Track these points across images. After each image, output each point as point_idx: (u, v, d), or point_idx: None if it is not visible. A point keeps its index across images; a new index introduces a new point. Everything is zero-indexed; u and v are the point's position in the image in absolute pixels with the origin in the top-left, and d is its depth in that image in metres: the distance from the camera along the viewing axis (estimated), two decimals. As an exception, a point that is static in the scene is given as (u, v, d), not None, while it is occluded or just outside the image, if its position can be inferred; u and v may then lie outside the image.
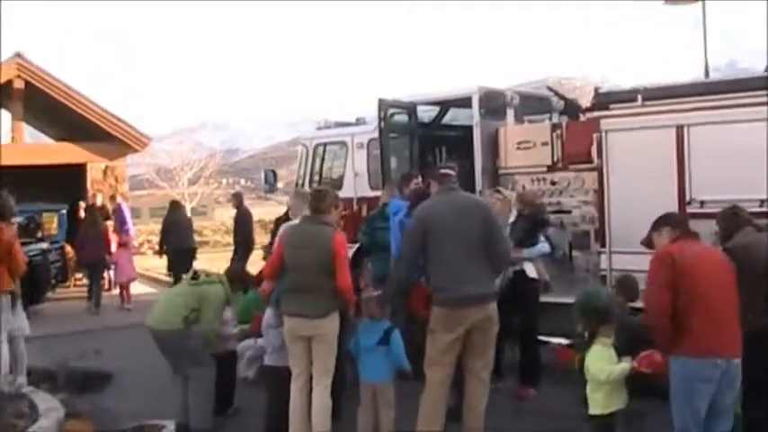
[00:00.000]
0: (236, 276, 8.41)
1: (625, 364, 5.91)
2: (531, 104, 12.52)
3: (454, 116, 13.91)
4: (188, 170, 29.09)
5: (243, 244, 17.21)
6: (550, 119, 12.68)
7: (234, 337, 8.47)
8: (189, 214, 23.01)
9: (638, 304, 7.49)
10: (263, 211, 42.28)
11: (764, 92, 9.37)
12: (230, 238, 29.86)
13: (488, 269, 6.76)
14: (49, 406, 8.34)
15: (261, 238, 31.92)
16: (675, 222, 6.31)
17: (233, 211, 18.57)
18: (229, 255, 17.84)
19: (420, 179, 9.73)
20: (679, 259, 5.71)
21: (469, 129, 13.64)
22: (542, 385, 9.22)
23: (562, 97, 12.51)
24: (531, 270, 9.33)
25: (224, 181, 34.05)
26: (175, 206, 18.27)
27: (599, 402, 5.97)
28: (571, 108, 12.81)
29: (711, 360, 5.60)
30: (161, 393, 8.71)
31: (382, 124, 11.80)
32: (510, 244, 8.31)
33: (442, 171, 7.19)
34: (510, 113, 12.03)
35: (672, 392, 5.75)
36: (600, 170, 10.40)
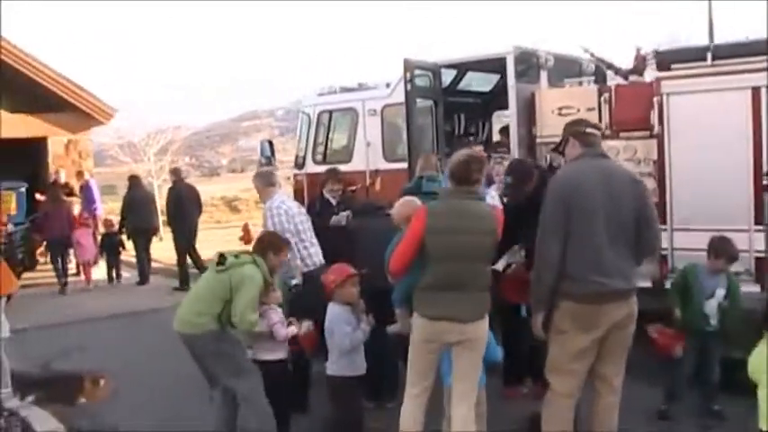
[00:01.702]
0: (273, 246, 6.77)
1: None
2: (563, 67, 11.31)
3: (467, 82, 12.72)
4: (154, 144, 27.44)
5: (180, 222, 15.83)
6: (580, 84, 11.51)
7: (285, 339, 6.73)
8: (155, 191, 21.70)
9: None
10: (221, 188, 40.84)
11: None
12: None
13: (634, 257, 5.54)
14: (48, 429, 6.93)
15: (222, 215, 30.82)
16: None
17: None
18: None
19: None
20: None
21: (486, 95, 12.56)
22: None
23: (600, 60, 11.32)
24: None
25: (186, 159, 32.34)
26: (135, 182, 16.90)
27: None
28: (599, 73, 11.70)
29: None
30: (167, 402, 7.90)
31: (408, 87, 10.50)
32: None
33: (588, 130, 5.83)
34: (544, 76, 10.88)
35: None
36: (660, 138, 9.30)
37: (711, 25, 18.02)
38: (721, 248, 6.97)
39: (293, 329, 6.59)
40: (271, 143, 13.19)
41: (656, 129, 9.29)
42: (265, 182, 8.12)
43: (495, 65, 10.99)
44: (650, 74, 9.89)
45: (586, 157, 5.65)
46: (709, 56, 9.01)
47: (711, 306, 6.96)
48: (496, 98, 13.06)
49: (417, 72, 10.76)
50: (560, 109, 10.22)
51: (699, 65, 9.09)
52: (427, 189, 9.08)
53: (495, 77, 12.99)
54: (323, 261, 8.06)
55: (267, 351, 6.61)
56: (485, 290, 5.54)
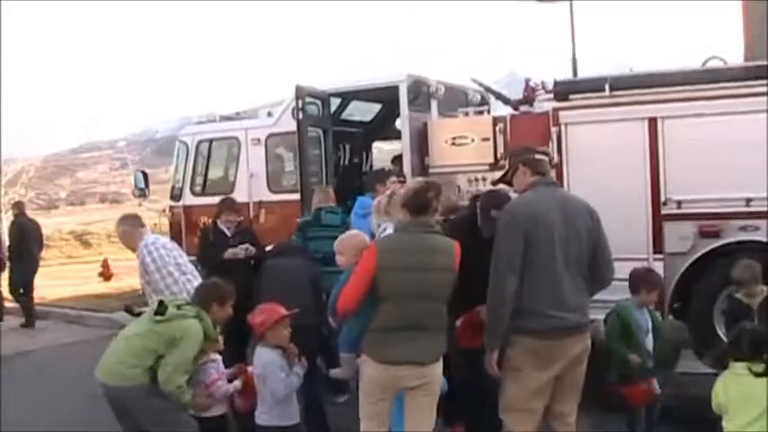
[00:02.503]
0: (217, 296, 6.00)
1: None
2: (451, 96, 11.18)
3: (349, 112, 12.45)
4: (3, 176, 25.71)
5: (24, 258, 14.98)
6: (466, 114, 11.41)
7: (224, 396, 5.95)
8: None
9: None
10: (60, 221, 38.95)
11: (747, 82, 8.57)
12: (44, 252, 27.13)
13: (588, 290, 5.29)
14: None
15: (73, 250, 29.10)
16: None
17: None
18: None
19: (397, 178, 8.18)
20: None
21: (366, 125, 12.34)
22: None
23: (488, 89, 11.25)
24: None
25: (22, 191, 30.14)
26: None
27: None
28: (483, 103, 11.67)
29: None
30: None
31: (301, 115, 10.09)
32: None
33: (538, 157, 5.48)
34: (434, 106, 10.70)
35: None
36: (558, 168, 9.22)
37: (575, 61, 18.45)
38: (653, 281, 6.80)
39: (237, 384, 5.91)
40: (145, 174, 12.43)
41: (555, 159, 9.21)
42: (135, 223, 7.39)
43: (385, 93, 10.72)
44: (543, 104, 9.88)
45: (540, 185, 5.35)
46: (607, 87, 9.05)
47: (649, 343, 6.65)
48: (377, 128, 12.89)
49: (308, 100, 10.36)
50: (454, 139, 10.08)
51: (597, 96, 9.13)
52: (327, 222, 8.77)
53: (376, 107, 12.80)
54: None
55: (208, 406, 5.91)
56: (443, 330, 5.19)
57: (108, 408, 5.84)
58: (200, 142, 11.88)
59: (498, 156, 9.75)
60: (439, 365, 5.15)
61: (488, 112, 11.39)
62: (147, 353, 5.60)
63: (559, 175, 9.19)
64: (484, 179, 9.85)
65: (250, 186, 11.27)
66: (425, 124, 10.32)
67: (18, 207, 15.91)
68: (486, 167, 9.83)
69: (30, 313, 14.88)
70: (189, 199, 11.87)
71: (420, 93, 10.48)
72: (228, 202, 9.33)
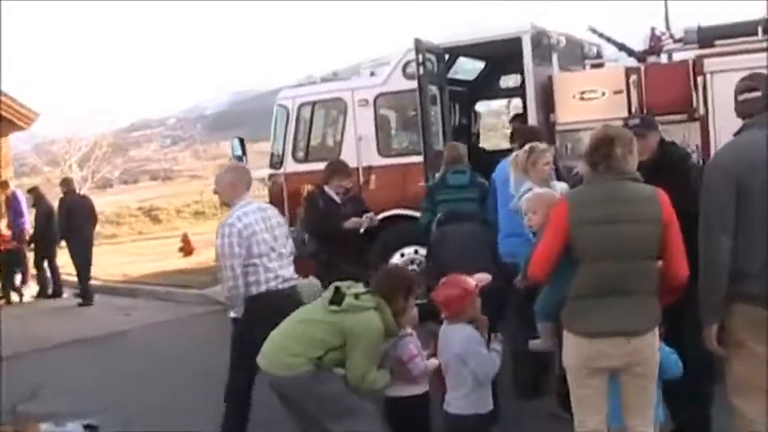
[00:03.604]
0: (405, 285, 5.23)
1: None
2: (570, 50, 10.48)
3: (453, 70, 11.81)
4: (75, 152, 25.48)
5: (73, 235, 14.65)
6: (583, 66, 10.74)
7: (423, 374, 5.22)
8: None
9: None
10: (116, 200, 38.81)
11: None
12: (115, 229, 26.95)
13: None
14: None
15: (143, 226, 28.86)
16: None
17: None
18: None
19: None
20: None
21: (469, 84, 11.71)
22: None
23: (609, 40, 10.50)
24: None
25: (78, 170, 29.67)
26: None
27: None
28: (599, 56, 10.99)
29: None
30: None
31: (421, 70, 9.47)
32: None
33: (742, 97, 4.64)
34: (555, 59, 10.02)
35: None
36: (704, 121, 8.53)
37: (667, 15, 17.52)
38: None
39: (434, 362, 5.20)
40: (242, 140, 11.88)
41: (701, 111, 8.53)
42: (243, 180, 6.34)
43: (495, 48, 10.07)
44: (682, 53, 9.20)
45: (753, 126, 4.55)
46: (759, 30, 8.34)
47: None
48: (481, 87, 12.24)
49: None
50: (582, 93, 9.39)
51: (747, 41, 8.43)
52: (454, 182, 8.16)
53: (479, 65, 12.16)
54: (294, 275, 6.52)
55: (404, 384, 5.24)
56: (653, 293, 4.43)
57: (212, 387, 5.34)
58: (301, 105, 11.23)
59: (633, 109, 9.07)
60: (652, 338, 4.43)
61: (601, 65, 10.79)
62: (314, 342, 4.99)
63: (705, 129, 8.58)
64: (618, 135, 9.20)
65: (358, 150, 10.64)
66: (550, 78, 9.67)
67: (66, 184, 15.40)
68: (620, 122, 9.13)
69: (86, 293, 14.52)
70: (291, 166, 11.26)
71: (541, 45, 9.81)
72: (340, 166, 8.71)
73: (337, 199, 8.36)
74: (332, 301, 5.06)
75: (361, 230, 8.40)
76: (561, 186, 6.64)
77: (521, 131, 7.92)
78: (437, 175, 8.61)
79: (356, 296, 5.08)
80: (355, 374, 4.94)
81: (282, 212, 11.11)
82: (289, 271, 6.20)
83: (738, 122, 7.91)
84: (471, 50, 10.86)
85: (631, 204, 4.36)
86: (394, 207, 10.14)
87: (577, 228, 4.34)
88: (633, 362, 4.36)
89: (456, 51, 10.74)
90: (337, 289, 5.14)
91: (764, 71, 8.03)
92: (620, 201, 4.35)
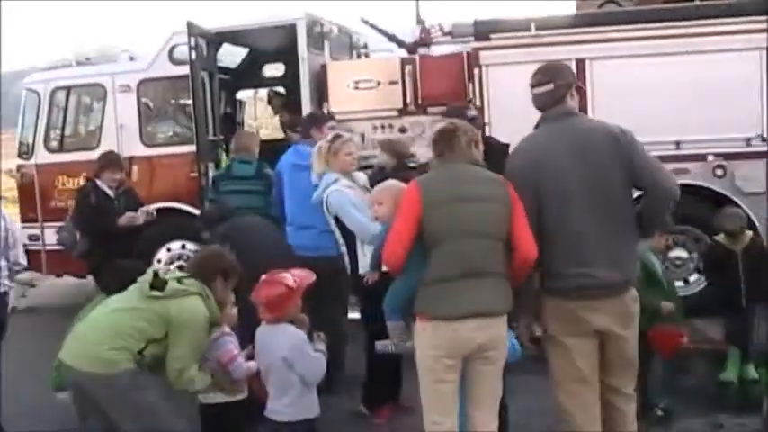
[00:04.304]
0: (222, 268, 4.87)
1: None
2: (340, 40, 10.37)
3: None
4: None
5: None
6: (351, 57, 10.69)
7: (246, 376, 4.81)
8: None
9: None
10: None
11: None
12: None
13: (630, 235, 4.47)
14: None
15: None
16: None
17: None
18: None
19: (329, 123, 7.27)
20: None
21: (231, 72, 11.35)
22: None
23: (381, 31, 10.44)
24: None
25: None
26: None
27: None
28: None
29: None
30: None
31: (194, 54, 8.94)
32: None
33: (536, 91, 4.53)
34: (327, 48, 9.85)
35: None
36: (480, 112, 8.69)
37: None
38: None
39: (254, 364, 4.75)
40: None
41: (477, 102, 8.69)
42: None
43: (275, 34, 9.78)
44: (455, 46, 9.36)
45: (548, 121, 4.48)
46: (533, 26, 8.64)
47: None
48: (242, 76, 11.84)
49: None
50: (357, 83, 9.28)
51: (520, 36, 8.70)
52: (239, 173, 7.84)
53: (242, 52, 11.75)
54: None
55: (222, 391, 4.81)
56: (506, 276, 4.30)
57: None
58: (55, 90, 10.33)
59: (408, 100, 9.11)
60: (504, 321, 4.35)
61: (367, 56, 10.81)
62: (136, 334, 4.47)
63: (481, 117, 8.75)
64: (391, 126, 9.21)
65: (119, 140, 9.91)
66: (323, 67, 9.48)
67: None
68: (395, 113, 9.18)
69: None
70: (43, 156, 10.36)
71: (314, 33, 9.60)
72: (112, 158, 8.07)
73: (111, 193, 7.72)
74: (153, 286, 4.56)
75: (138, 225, 7.79)
76: (362, 177, 6.48)
77: None
78: (223, 165, 8.18)
79: (179, 280, 4.63)
80: (175, 367, 4.49)
81: (33, 206, 10.36)
82: None
83: (513, 114, 8.31)
84: (242, 36, 10.42)
85: (479, 184, 4.32)
86: (159, 200, 9.55)
87: (429, 209, 4.22)
88: (489, 345, 4.26)
89: (226, 37, 10.26)
90: (156, 274, 4.65)
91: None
92: (467, 181, 4.31)
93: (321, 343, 4.72)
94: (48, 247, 10.27)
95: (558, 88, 4.44)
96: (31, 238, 10.28)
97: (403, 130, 9.13)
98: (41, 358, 6.06)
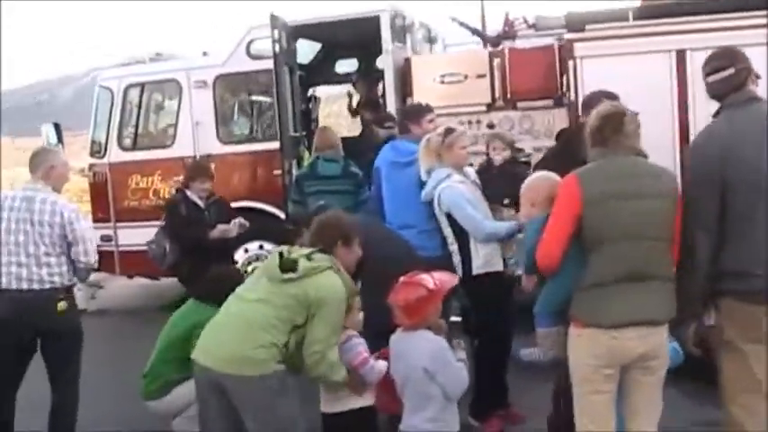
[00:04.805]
0: (341, 233, 4.56)
1: None
2: (420, 33, 10.07)
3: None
4: None
5: None
6: (430, 50, 10.38)
7: (378, 378, 4.46)
8: None
9: None
10: None
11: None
12: None
13: None
14: None
15: None
16: None
17: None
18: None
19: (428, 116, 6.90)
20: None
21: (304, 67, 11.05)
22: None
23: (464, 25, 10.06)
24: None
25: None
26: None
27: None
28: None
29: None
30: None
31: (277, 48, 8.65)
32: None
33: (711, 79, 4.18)
34: (409, 41, 9.55)
35: None
36: (571, 107, 8.31)
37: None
38: None
39: (384, 364, 4.44)
40: (57, 126, 10.55)
41: (571, 96, 8.29)
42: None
43: (354, 27, 9.46)
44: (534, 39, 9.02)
45: (731, 108, 4.11)
46: (630, 16, 8.22)
47: None
48: (316, 71, 11.55)
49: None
50: (443, 77, 8.93)
51: (617, 26, 8.28)
52: (325, 172, 7.48)
53: (315, 47, 11.47)
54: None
55: (349, 396, 4.45)
56: (671, 279, 3.99)
57: None
58: (128, 87, 10.14)
59: (496, 94, 8.76)
60: (666, 329, 4.01)
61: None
62: (280, 325, 4.13)
63: (575, 114, 8.35)
64: (479, 122, 8.85)
65: (195, 137, 9.70)
66: (407, 60, 9.16)
67: None
68: (483, 108, 8.81)
69: None
70: (116, 155, 10.15)
71: (397, 26, 9.29)
72: (202, 167, 7.81)
73: (200, 203, 7.40)
74: (285, 269, 4.20)
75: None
76: (472, 172, 6.14)
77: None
78: (305, 162, 7.87)
79: (308, 257, 4.27)
80: (315, 350, 4.16)
81: (106, 206, 10.13)
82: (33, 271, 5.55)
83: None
84: (320, 30, 10.10)
85: (646, 179, 3.98)
86: (236, 199, 9.27)
87: (590, 207, 3.88)
88: (651, 355, 3.93)
89: (304, 31, 9.94)
90: (281, 255, 4.30)
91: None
92: (634, 175, 3.95)
93: (461, 351, 4.35)
94: (121, 248, 10.08)
95: (739, 72, 4.11)
96: (103, 238, 10.10)
97: (491, 126, 8.77)
98: (116, 361, 5.84)
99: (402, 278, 4.32)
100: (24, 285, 5.50)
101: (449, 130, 5.94)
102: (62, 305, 5.55)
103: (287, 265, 4.21)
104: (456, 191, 5.71)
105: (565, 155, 5.67)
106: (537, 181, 4.63)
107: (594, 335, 3.89)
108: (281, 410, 4.13)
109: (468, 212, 5.65)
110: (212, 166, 9.50)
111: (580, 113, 5.95)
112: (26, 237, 5.50)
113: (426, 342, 4.19)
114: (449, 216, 5.76)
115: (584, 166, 4.13)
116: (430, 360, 4.14)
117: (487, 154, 7.30)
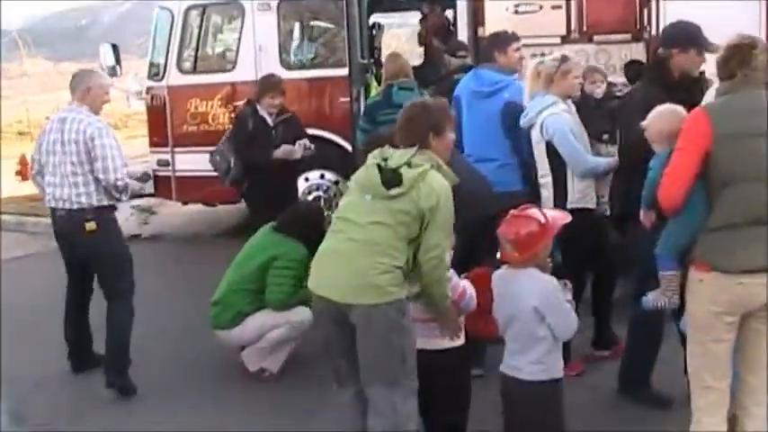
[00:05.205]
0: (431, 124, 4.15)
1: None
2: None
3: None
4: None
5: None
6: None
7: (473, 309, 4.25)
8: None
9: None
10: None
11: None
12: None
13: None
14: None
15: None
16: None
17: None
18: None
19: (515, 44, 6.65)
20: None
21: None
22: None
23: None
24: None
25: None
26: None
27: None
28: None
29: None
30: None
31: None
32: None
33: None
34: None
35: None
36: (650, 43, 8.00)
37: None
38: None
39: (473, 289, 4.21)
40: (115, 47, 10.35)
41: (652, 32, 7.97)
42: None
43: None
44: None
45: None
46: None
47: None
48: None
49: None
50: (517, 6, 8.61)
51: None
52: (400, 101, 7.20)
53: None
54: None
55: (437, 335, 4.19)
56: None
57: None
58: (189, 9, 9.86)
59: (572, 26, 8.46)
60: None
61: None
62: (399, 244, 3.90)
63: (649, 50, 8.04)
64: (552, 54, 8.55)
65: (257, 62, 9.44)
66: (477, -9, 8.83)
67: None
68: (557, 40, 8.49)
69: None
70: (175, 78, 9.93)
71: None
72: (273, 81, 7.53)
73: (269, 120, 7.23)
74: (389, 184, 3.93)
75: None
76: (572, 105, 5.91)
77: None
78: (376, 90, 7.64)
79: (408, 164, 3.98)
80: (434, 255, 3.92)
81: (164, 130, 9.96)
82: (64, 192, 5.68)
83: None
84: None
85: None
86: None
87: (720, 143, 3.65)
88: None
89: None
90: (379, 167, 4.01)
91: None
92: (763, 111, 3.68)
93: (569, 292, 4.13)
94: (177, 173, 9.94)
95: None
96: (159, 162, 10.00)
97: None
98: (171, 287, 5.72)
99: (513, 211, 4.10)
100: (60, 204, 5.66)
101: (564, 57, 5.77)
102: (90, 225, 5.60)
103: (390, 179, 3.93)
104: (563, 119, 5.52)
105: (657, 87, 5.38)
106: (662, 114, 4.38)
107: (719, 279, 3.69)
108: (398, 339, 3.91)
109: (572, 143, 5.47)
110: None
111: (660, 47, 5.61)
112: (57, 157, 5.63)
113: (537, 281, 3.97)
114: (548, 146, 5.55)
115: (712, 101, 3.92)
116: (540, 299, 3.92)
117: (582, 87, 7.04)
